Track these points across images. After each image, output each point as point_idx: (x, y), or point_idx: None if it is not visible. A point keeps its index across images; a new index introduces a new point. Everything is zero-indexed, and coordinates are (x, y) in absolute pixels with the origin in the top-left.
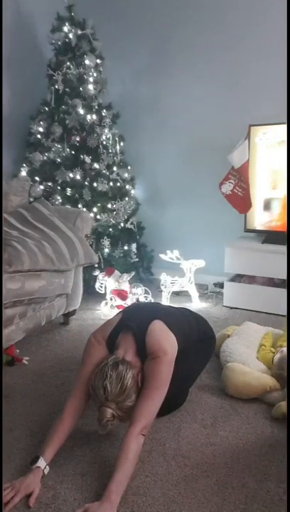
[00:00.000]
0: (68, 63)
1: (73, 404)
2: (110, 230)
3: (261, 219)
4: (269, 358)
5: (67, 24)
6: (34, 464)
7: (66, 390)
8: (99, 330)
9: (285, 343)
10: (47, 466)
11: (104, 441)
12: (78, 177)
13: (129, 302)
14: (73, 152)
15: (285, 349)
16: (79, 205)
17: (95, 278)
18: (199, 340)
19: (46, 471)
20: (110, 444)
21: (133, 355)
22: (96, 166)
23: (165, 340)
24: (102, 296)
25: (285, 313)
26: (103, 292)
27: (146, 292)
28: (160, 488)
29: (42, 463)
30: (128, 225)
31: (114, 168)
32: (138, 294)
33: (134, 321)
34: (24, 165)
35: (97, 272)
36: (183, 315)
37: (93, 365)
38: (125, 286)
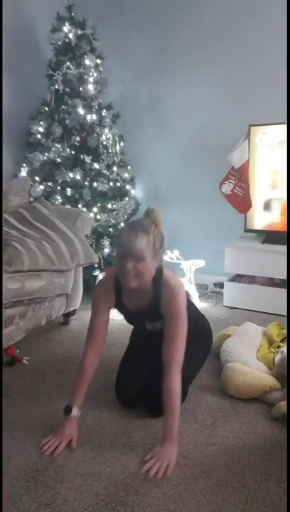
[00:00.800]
0: (68, 63)
1: (89, 356)
2: (110, 230)
3: (261, 219)
4: (270, 358)
5: (67, 24)
6: (69, 414)
7: (66, 390)
8: (106, 276)
9: (282, 344)
10: (78, 412)
11: (104, 441)
12: (78, 177)
13: None
14: (73, 152)
15: (285, 349)
16: (79, 205)
17: (95, 278)
18: (195, 333)
19: (78, 416)
20: (110, 445)
21: None
22: (96, 166)
23: (177, 282)
24: None
25: (285, 313)
26: None
27: None
28: (160, 488)
29: (75, 411)
30: None
31: (114, 168)
32: None
33: None
34: (24, 165)
35: (97, 272)
36: None
37: (102, 313)
38: None
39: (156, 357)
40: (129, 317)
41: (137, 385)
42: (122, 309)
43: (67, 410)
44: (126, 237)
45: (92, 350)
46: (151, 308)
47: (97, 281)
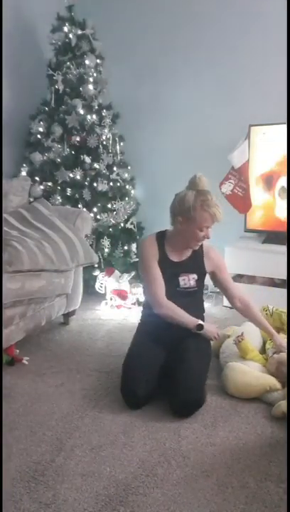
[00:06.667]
0: (68, 63)
1: (164, 297)
2: (110, 230)
3: (261, 219)
4: (263, 364)
5: (67, 24)
6: (202, 328)
7: (66, 390)
8: (148, 237)
9: (270, 345)
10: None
11: (105, 442)
12: (78, 177)
13: (128, 302)
14: (73, 152)
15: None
16: (79, 205)
17: (95, 278)
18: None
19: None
20: (110, 444)
21: None
22: (96, 166)
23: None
24: (102, 296)
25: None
26: (103, 292)
27: None
28: (160, 488)
29: (202, 322)
30: (128, 225)
31: (114, 168)
32: (138, 294)
33: None
34: (24, 165)
35: (97, 272)
36: None
37: (154, 263)
38: (125, 286)
39: (165, 353)
40: (168, 270)
41: (147, 384)
42: (164, 262)
43: (200, 327)
44: (218, 207)
45: (162, 291)
46: (190, 259)
47: (97, 281)
